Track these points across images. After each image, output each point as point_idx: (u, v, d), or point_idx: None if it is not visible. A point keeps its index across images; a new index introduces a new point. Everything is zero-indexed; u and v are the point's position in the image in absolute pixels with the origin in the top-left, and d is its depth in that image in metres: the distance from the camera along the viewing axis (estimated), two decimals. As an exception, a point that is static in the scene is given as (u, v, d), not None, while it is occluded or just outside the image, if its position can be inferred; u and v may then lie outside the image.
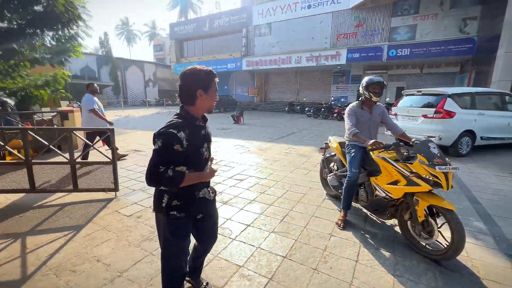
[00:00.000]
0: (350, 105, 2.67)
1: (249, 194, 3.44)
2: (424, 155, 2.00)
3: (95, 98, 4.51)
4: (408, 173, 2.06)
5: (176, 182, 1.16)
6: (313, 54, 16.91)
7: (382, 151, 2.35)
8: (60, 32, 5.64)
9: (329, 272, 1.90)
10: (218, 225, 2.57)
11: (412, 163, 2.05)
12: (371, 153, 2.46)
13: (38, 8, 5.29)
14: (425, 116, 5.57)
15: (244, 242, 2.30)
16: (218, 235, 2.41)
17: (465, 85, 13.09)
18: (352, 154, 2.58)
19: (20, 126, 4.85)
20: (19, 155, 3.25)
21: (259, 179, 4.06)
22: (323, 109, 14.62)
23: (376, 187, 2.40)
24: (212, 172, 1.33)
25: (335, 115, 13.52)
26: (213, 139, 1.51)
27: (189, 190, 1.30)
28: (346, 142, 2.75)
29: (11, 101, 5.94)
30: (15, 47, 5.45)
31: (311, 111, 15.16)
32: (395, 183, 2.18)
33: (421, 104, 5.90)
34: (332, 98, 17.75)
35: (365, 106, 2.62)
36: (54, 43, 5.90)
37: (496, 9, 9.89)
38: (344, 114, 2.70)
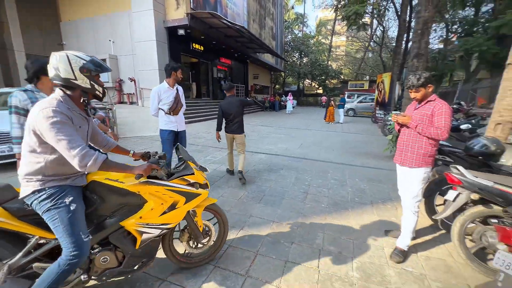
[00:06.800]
0: None
1: None
2: (192, 161, 1.78)
3: None
4: (190, 187, 1.67)
5: None
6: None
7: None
8: None
9: None
10: None
11: (187, 174, 1.68)
12: (123, 186, 1.51)
13: None
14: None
15: None
16: None
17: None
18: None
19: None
20: None
21: None
22: None
23: (143, 229, 1.55)
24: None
25: None
26: None
27: None
28: None
29: None
30: None
31: None
32: (173, 206, 1.63)
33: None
34: None
35: None
36: None
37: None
38: None
